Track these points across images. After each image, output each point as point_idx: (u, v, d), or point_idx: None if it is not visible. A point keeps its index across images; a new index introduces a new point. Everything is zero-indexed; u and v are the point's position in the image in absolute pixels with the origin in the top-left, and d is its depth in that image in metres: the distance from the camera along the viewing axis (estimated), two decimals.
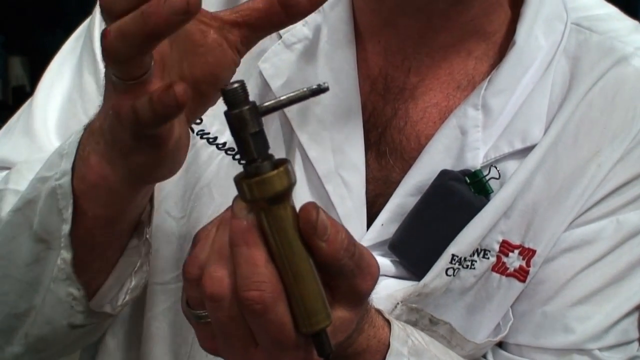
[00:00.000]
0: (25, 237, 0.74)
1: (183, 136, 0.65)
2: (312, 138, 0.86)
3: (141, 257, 0.77)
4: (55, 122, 0.88)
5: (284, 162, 0.60)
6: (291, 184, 0.60)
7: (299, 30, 0.87)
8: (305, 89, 0.60)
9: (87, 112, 0.87)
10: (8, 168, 0.86)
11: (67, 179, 0.70)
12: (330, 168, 0.86)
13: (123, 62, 0.57)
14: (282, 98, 0.61)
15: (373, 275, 0.64)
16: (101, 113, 0.66)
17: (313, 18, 0.87)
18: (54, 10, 3.28)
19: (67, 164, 0.70)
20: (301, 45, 0.87)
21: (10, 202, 0.76)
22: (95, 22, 0.90)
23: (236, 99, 0.59)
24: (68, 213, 0.70)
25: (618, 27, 0.89)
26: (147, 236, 0.76)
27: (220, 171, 0.87)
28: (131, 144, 0.62)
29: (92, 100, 0.88)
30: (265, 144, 0.60)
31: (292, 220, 0.60)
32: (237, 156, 0.86)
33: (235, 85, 0.59)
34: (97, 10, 0.91)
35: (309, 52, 0.87)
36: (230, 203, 0.83)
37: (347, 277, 0.62)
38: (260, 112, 0.60)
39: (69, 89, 0.90)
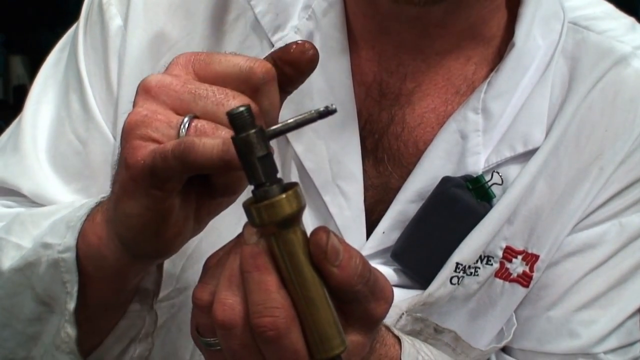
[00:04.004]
0: (27, 296, 0.73)
1: (184, 231, 0.64)
2: (307, 149, 0.85)
3: (145, 324, 0.75)
4: (45, 142, 0.86)
5: (293, 185, 0.59)
6: (301, 208, 0.59)
7: (291, 38, 0.85)
8: (312, 112, 0.59)
9: (75, 130, 0.86)
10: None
11: (70, 255, 0.69)
12: (327, 178, 0.85)
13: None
14: (289, 121, 0.59)
15: (387, 299, 0.62)
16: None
17: (305, 25, 0.85)
18: (54, 9, 3.25)
19: (71, 239, 0.69)
20: None
21: (10, 256, 0.74)
22: (79, 37, 0.88)
23: (243, 122, 0.57)
24: (74, 290, 0.69)
25: (615, 26, 0.88)
26: (154, 306, 0.75)
27: None
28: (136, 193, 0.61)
29: (79, 118, 0.86)
30: (273, 168, 0.59)
31: (303, 245, 0.59)
32: None
33: (242, 108, 0.57)
34: (80, 23, 0.89)
35: None
36: (224, 218, 0.82)
37: (361, 302, 0.61)
38: (267, 135, 0.58)
39: (56, 106, 0.88)
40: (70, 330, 0.70)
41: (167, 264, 0.84)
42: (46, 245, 0.71)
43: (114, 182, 0.63)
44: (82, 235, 0.68)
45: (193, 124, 0.59)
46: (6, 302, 0.74)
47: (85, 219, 0.69)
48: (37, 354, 0.75)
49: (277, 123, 0.61)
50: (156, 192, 0.59)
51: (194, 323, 0.64)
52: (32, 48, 3.46)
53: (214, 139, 0.57)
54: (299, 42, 0.62)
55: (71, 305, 0.69)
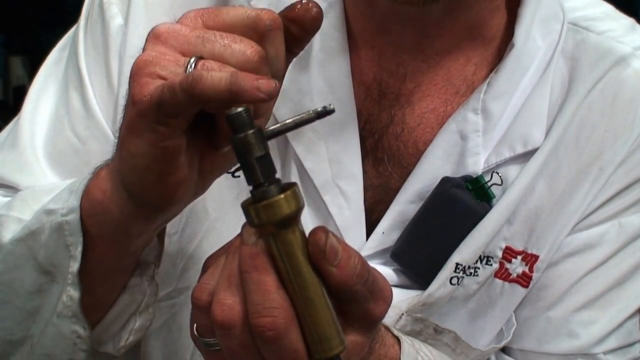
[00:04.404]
0: (28, 268, 0.73)
1: (188, 180, 0.65)
2: (307, 149, 0.85)
3: (146, 297, 0.76)
4: (43, 139, 0.87)
5: (291, 185, 0.59)
6: (299, 208, 0.59)
7: None
8: (311, 112, 0.60)
9: (73, 128, 0.86)
10: None
11: (74, 216, 0.69)
12: (327, 178, 0.85)
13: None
14: (287, 121, 0.59)
15: (386, 299, 0.63)
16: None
17: None
18: (54, 10, 3.25)
19: (74, 201, 0.70)
20: None
21: (11, 230, 0.75)
22: (79, 36, 0.88)
23: (241, 123, 0.58)
24: (77, 251, 0.70)
25: (615, 27, 0.88)
26: (155, 277, 0.76)
27: (214, 185, 0.85)
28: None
29: (79, 116, 0.86)
30: (271, 168, 0.59)
31: (302, 245, 0.59)
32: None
33: (240, 109, 0.58)
34: (80, 22, 0.89)
35: (302, 61, 0.85)
36: (225, 218, 0.82)
37: (360, 302, 0.61)
38: (265, 136, 0.59)
39: (55, 103, 0.88)
40: (73, 293, 0.71)
41: (167, 264, 0.84)
42: (49, 212, 0.71)
43: (120, 127, 0.64)
44: (85, 194, 0.69)
45: (200, 63, 0.60)
46: (6, 276, 0.75)
47: (89, 179, 0.70)
48: (37, 331, 0.75)
49: (282, 74, 0.64)
50: (161, 128, 0.60)
51: (193, 323, 0.64)
52: (32, 49, 3.45)
53: (222, 72, 0.58)
54: (304, 1, 0.64)
55: (75, 266, 0.70)
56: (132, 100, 0.61)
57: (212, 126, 0.63)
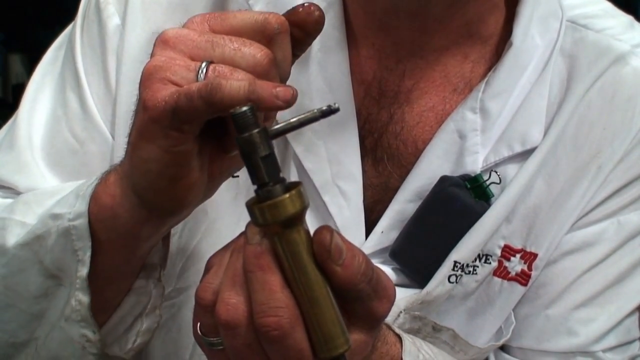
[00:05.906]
0: (34, 272, 0.73)
1: (198, 183, 0.65)
2: (307, 149, 0.85)
3: (151, 299, 0.76)
4: (41, 140, 0.86)
5: (296, 185, 0.59)
6: (304, 207, 0.59)
7: None
8: (315, 111, 0.59)
9: (71, 129, 0.86)
10: None
11: (82, 221, 0.69)
12: (327, 178, 0.85)
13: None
14: (292, 120, 0.59)
15: (390, 298, 0.63)
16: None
17: None
18: (53, 8, 3.25)
19: (82, 206, 0.69)
20: None
21: (15, 234, 0.75)
22: (76, 36, 0.88)
23: (246, 122, 0.58)
24: (86, 256, 0.70)
25: (614, 24, 0.88)
26: (161, 279, 0.76)
27: None
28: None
29: (76, 118, 0.86)
30: (276, 167, 0.59)
31: (307, 244, 0.59)
32: None
33: (245, 108, 0.58)
34: (77, 21, 0.89)
35: (301, 60, 0.84)
36: (223, 218, 0.82)
37: (364, 301, 0.61)
38: (270, 135, 0.59)
39: (52, 104, 0.88)
40: (82, 297, 0.71)
41: (166, 265, 0.84)
42: (55, 216, 0.71)
43: (130, 132, 0.64)
44: (93, 199, 0.69)
45: (211, 67, 0.60)
46: (10, 280, 0.74)
47: (97, 184, 0.70)
48: (42, 334, 0.75)
49: (288, 77, 0.64)
50: (174, 134, 0.60)
51: (196, 322, 0.64)
52: (31, 46, 3.45)
53: (240, 81, 0.59)
54: (306, 4, 0.64)
55: (83, 271, 0.70)
56: (143, 106, 0.60)
57: (222, 130, 0.63)
